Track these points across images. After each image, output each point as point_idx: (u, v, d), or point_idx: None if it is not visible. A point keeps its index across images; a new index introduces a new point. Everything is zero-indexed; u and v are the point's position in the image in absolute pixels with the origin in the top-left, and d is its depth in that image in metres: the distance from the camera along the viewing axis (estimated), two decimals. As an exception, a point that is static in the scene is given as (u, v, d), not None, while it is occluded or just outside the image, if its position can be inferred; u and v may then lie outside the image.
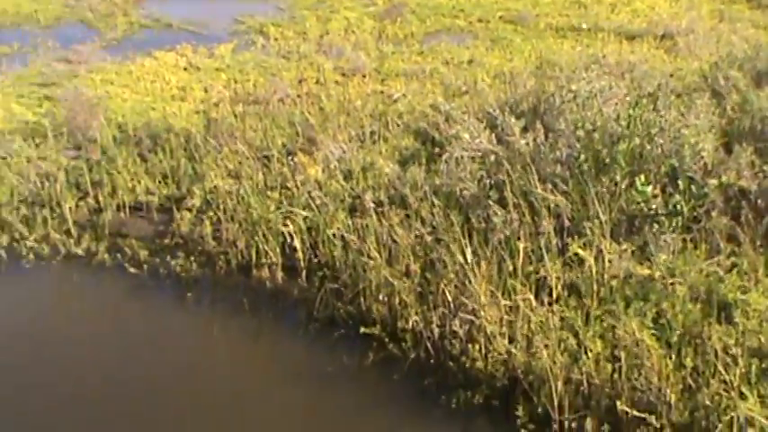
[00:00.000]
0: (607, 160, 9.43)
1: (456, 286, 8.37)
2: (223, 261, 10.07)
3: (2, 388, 8.16)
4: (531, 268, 8.53)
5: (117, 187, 11.23)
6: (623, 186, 9.07)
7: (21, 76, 15.61)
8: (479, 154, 10.54)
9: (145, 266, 10.16)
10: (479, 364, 7.85)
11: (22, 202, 11.28)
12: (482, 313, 8.03)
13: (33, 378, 8.27)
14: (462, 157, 10.39)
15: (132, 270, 10.10)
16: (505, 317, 8.05)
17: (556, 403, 7.36)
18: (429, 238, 9.10)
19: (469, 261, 8.43)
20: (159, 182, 11.37)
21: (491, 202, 9.27)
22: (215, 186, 10.77)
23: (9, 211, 11.07)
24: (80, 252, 10.49)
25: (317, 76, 15.41)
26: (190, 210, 10.71)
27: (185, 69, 16.10)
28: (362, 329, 8.59)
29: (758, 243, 8.63)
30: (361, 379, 8.21)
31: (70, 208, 11.04)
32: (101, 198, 11.14)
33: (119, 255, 10.40)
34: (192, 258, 10.16)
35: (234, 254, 10.07)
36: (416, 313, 8.46)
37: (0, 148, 12.30)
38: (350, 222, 9.72)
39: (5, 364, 8.49)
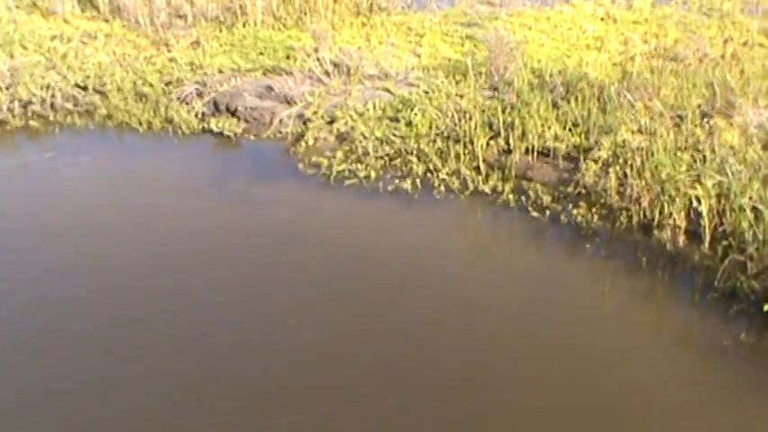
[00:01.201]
0: None
1: None
2: (624, 217, 9.96)
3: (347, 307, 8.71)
4: None
5: (527, 131, 11.34)
6: None
7: (447, 14, 16.24)
8: None
9: (546, 212, 10.30)
10: None
11: (438, 136, 11.82)
12: None
13: (411, 305, 8.74)
14: None
15: (534, 214, 10.28)
16: None
17: None
18: None
19: None
20: (568, 130, 11.36)
21: None
22: (624, 140, 10.60)
23: (426, 142, 11.68)
24: (486, 190, 10.84)
25: (740, 36, 14.52)
26: (596, 161, 10.65)
27: (602, 20, 15.89)
28: (766, 307, 8.10)
29: None
30: (758, 359, 7.78)
31: (481, 146, 11.37)
32: (511, 140, 11.34)
33: (523, 197, 10.62)
34: (594, 210, 10.15)
35: (636, 211, 9.92)
36: (830, 301, 7.82)
37: (424, 83, 12.88)
38: (764, 193, 9.15)
39: (380, 287, 9.03)
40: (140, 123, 13.03)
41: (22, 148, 12.66)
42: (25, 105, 13.28)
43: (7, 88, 13.28)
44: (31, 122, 13.10)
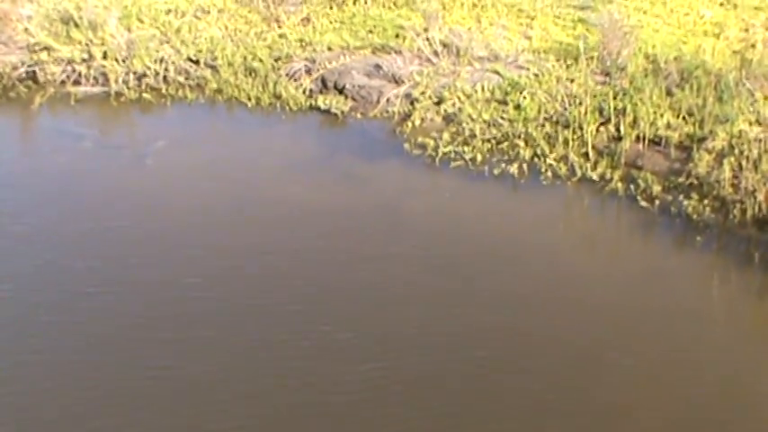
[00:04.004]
0: None
1: None
2: (738, 210, 9.74)
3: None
4: None
5: (639, 118, 11.11)
6: None
7: (559, -3, 15.97)
8: None
9: (656, 202, 10.13)
10: None
11: (547, 120, 11.68)
12: None
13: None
14: None
15: (643, 204, 10.13)
16: None
17: None
18: None
19: None
20: (682, 118, 11.08)
21: None
22: (741, 131, 10.33)
23: (535, 126, 11.56)
24: (595, 177, 10.70)
25: None
26: (710, 151, 10.40)
27: (721, 5, 15.37)
28: None
29: None
30: None
31: (591, 132, 11.19)
32: (621, 127, 11.12)
33: (632, 186, 10.45)
34: (706, 202, 9.95)
35: (751, 204, 9.69)
36: None
37: (534, 66, 12.78)
38: None
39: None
40: (249, 98, 13.23)
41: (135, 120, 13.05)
42: (140, 78, 13.60)
43: (123, 61, 13.60)
44: (145, 95, 13.42)
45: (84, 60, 13.62)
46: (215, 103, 13.29)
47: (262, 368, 7.69)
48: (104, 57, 13.58)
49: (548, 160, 11.01)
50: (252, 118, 12.92)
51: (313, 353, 7.82)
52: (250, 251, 9.39)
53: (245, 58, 13.81)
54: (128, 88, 13.48)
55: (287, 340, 8.00)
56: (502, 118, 11.86)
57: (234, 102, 13.25)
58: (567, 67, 12.72)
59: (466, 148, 11.41)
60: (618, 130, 11.19)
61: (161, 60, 13.68)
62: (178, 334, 8.09)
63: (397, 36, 14.13)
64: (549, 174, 10.84)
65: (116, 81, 13.47)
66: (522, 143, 11.39)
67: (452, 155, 11.35)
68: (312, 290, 8.72)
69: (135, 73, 13.57)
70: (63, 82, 13.68)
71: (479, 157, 11.26)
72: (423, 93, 12.61)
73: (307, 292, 8.68)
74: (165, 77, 13.65)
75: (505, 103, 12.13)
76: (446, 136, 11.68)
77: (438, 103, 12.44)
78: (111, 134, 12.60)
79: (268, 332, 8.12)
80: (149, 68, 13.57)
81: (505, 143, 11.52)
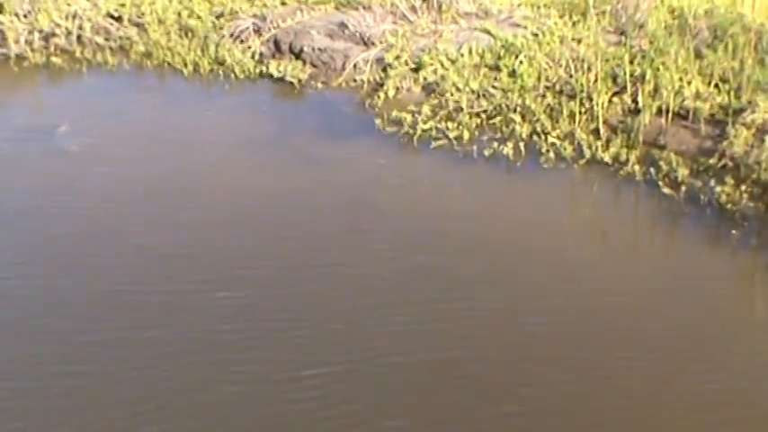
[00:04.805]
0: None
1: None
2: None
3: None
4: None
5: (661, 86, 10.89)
6: None
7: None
8: None
9: (682, 188, 9.83)
10: None
11: (548, 90, 11.51)
12: None
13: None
14: None
15: (666, 190, 9.83)
16: None
17: None
18: None
19: None
20: (714, 86, 10.89)
21: None
22: (786, 101, 10.16)
23: (533, 98, 11.33)
24: (607, 158, 10.44)
25: None
26: (748, 126, 10.17)
27: (760, -51, 15.26)
28: None
29: None
30: None
31: (602, 104, 10.97)
32: (640, 97, 10.90)
33: (652, 169, 10.18)
34: (743, 188, 9.62)
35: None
36: None
37: (533, 23, 12.67)
38: None
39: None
40: (185, 64, 13.15)
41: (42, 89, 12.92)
42: (47, 38, 13.54)
43: (25, 16, 13.52)
44: (54, 59, 13.32)
45: (-26, 16, 13.51)
46: (143, 69, 13.27)
47: (212, 369, 7.29)
48: (0, 11, 13.48)
49: (549, 138, 10.75)
50: (189, 88, 12.92)
51: (269, 353, 7.47)
52: (189, 248, 9.01)
53: (179, 15, 13.77)
54: (32, 50, 13.44)
55: (240, 338, 7.68)
56: (494, 87, 11.73)
57: (166, 68, 13.27)
58: (573, 24, 12.66)
59: (450, 125, 11.21)
60: (635, 101, 11.02)
61: (73, 16, 13.62)
62: (126, 330, 7.69)
63: (366, -13, 13.93)
64: (552, 155, 10.58)
65: (16, 41, 13.41)
66: (518, 118, 11.16)
67: (434, 132, 11.15)
68: (264, 291, 8.36)
69: (41, 32, 13.51)
70: (-52, 42, 13.50)
71: (466, 135, 11.04)
72: (397, 57, 12.50)
73: (258, 292, 8.32)
74: (79, 37, 13.62)
75: (498, 69, 12.03)
76: (426, 110, 11.52)
77: (416, 70, 12.35)
78: (11, 107, 12.32)
79: (215, 333, 7.74)
80: (59, 26, 13.49)
81: (498, 118, 11.36)
